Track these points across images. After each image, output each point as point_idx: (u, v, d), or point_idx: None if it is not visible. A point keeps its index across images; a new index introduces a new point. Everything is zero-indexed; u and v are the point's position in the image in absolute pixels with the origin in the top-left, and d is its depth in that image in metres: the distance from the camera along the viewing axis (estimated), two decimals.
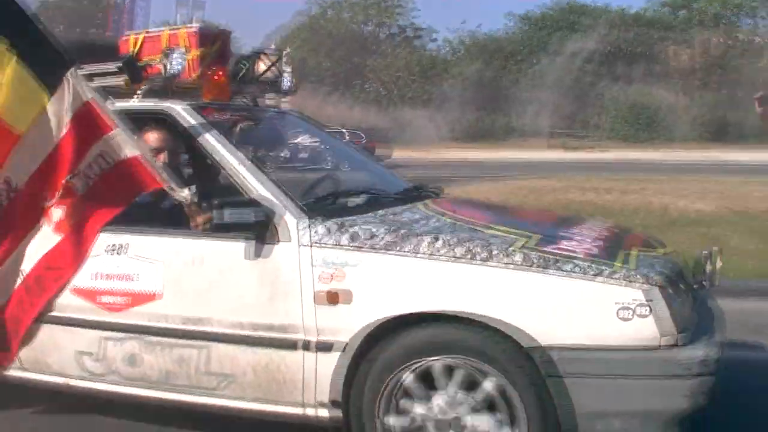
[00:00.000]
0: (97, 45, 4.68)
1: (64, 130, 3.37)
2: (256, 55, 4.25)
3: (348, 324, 3.26)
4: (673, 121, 45.72)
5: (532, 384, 3.05)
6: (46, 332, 3.68)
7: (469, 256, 3.18)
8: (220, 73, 4.12)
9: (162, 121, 3.92)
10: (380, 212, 3.65)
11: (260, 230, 3.37)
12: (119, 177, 3.45)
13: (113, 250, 3.62)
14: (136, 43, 4.17)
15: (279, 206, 3.42)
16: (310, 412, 3.40)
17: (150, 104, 3.93)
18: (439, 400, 3.20)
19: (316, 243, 3.35)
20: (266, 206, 3.39)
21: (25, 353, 3.71)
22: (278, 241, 3.38)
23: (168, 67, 3.93)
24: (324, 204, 3.63)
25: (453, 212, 3.89)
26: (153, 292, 3.53)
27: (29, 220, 3.45)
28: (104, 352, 3.65)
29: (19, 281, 3.55)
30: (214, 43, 4.09)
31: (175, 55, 3.93)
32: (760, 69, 44.65)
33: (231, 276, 3.44)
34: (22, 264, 3.52)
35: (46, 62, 3.36)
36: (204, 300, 3.47)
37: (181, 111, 3.81)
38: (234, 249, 3.41)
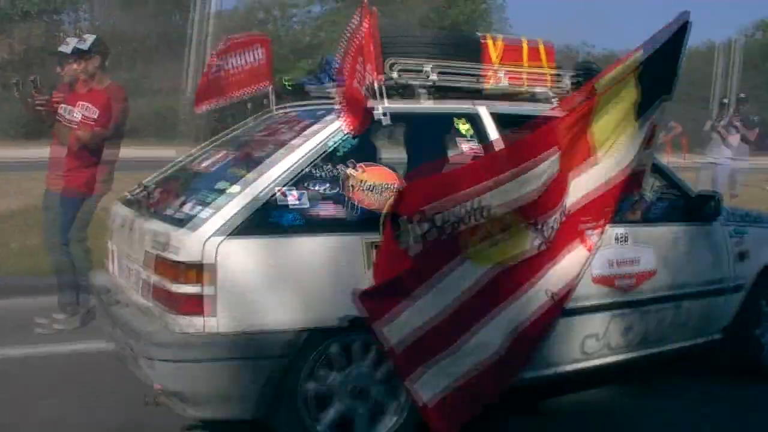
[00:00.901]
0: (463, 44, 4.43)
1: (630, 157, 4.04)
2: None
3: (748, 271, 4.95)
4: None
5: None
6: (562, 326, 4.09)
7: None
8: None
9: None
10: None
11: (711, 217, 4.75)
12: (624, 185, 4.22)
13: (618, 240, 4.36)
14: (497, 48, 4.49)
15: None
16: (715, 337, 4.92)
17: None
18: None
19: (723, 223, 4.89)
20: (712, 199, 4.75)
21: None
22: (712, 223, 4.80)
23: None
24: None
25: None
26: (652, 270, 4.47)
27: (567, 241, 3.88)
28: (607, 330, 4.34)
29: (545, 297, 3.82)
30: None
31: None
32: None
33: (693, 249, 4.68)
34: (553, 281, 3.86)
35: (653, 87, 4.00)
36: (682, 270, 4.61)
37: None
38: (701, 230, 4.70)
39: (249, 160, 3.74)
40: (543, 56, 4.57)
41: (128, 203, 4.20)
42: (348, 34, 3.76)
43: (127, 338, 3.54)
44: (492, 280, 3.41)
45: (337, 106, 3.78)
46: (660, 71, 3.92)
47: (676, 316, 4.62)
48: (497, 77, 4.28)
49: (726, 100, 13.81)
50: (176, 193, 3.85)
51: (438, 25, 46.30)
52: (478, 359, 3.43)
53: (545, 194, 3.49)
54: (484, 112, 4.14)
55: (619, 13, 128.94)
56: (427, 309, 3.30)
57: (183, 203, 3.62)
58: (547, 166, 3.45)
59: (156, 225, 3.57)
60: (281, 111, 4.64)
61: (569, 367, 4.23)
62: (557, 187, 3.59)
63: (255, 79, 4.89)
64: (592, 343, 4.27)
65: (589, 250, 3.88)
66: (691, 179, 9.75)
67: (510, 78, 4.33)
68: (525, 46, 4.52)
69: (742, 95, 13.99)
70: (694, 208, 4.74)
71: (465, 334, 3.41)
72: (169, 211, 3.66)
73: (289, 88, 4.86)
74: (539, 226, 3.54)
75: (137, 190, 4.18)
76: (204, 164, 4.19)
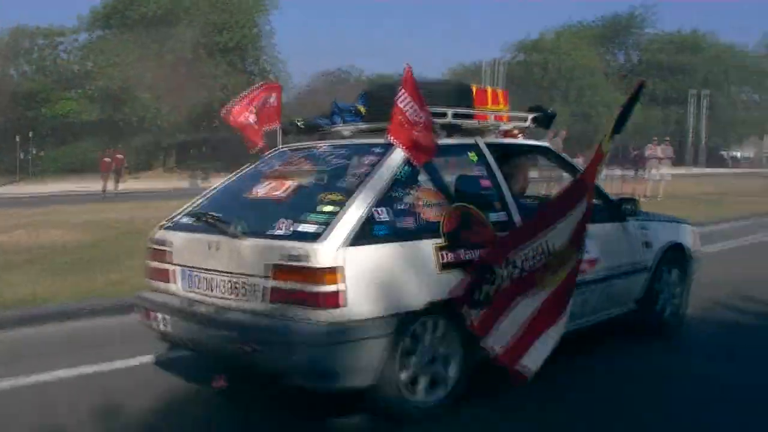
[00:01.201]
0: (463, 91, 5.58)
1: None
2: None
3: (651, 255, 6.50)
4: None
5: None
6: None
7: None
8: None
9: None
10: None
11: (629, 216, 6.25)
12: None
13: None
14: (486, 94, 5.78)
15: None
16: (632, 307, 6.42)
17: (531, 142, 5.94)
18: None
19: (635, 219, 6.42)
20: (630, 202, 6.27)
21: None
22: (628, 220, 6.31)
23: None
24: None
25: None
26: (596, 258, 5.86)
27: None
28: (575, 303, 5.63)
29: None
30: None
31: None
32: None
33: (618, 240, 6.16)
34: None
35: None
36: (612, 257, 6.06)
37: (552, 147, 6.06)
38: (622, 226, 6.20)
39: (334, 188, 4.77)
40: (501, 99, 5.91)
41: (198, 229, 5.08)
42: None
43: (246, 336, 4.43)
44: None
45: (390, 142, 4.81)
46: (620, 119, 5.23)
47: (609, 291, 6.07)
48: (486, 117, 5.58)
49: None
50: (267, 217, 4.77)
51: (210, 49, 47.03)
52: (525, 317, 4.63)
53: (579, 228, 4.75)
54: (482, 143, 5.43)
55: (386, 37, 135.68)
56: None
57: (290, 224, 4.57)
58: (580, 210, 4.71)
59: (273, 243, 4.50)
60: (304, 147, 5.68)
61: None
62: (584, 221, 4.87)
63: (270, 119, 5.87)
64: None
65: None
66: None
67: (495, 118, 5.65)
68: (490, 91, 5.83)
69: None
70: (616, 210, 6.20)
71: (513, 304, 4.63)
72: (277, 232, 4.58)
73: (301, 126, 5.87)
74: (579, 252, 4.80)
75: (197, 218, 5.13)
76: (275, 192, 5.10)
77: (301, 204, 4.78)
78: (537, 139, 7.10)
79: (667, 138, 30.37)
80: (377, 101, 5.64)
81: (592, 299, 5.85)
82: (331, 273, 4.24)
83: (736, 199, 24.56)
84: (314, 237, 4.37)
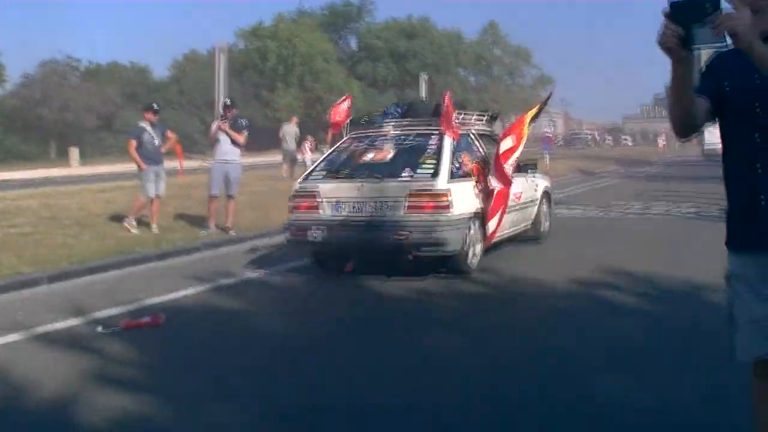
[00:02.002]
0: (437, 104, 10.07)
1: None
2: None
3: (538, 194, 11.49)
4: None
5: None
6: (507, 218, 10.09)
7: None
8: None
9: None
10: None
11: (531, 171, 11.19)
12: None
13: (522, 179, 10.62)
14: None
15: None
16: (529, 225, 11.38)
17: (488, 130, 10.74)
18: None
19: (532, 174, 11.35)
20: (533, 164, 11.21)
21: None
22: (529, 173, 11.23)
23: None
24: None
25: None
26: (520, 193, 10.71)
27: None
28: (512, 219, 10.46)
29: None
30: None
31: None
32: None
33: (525, 184, 11.07)
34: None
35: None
36: (524, 194, 10.95)
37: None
38: (527, 177, 11.13)
39: (425, 153, 9.20)
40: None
41: (341, 179, 9.26)
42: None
43: (401, 229, 8.57)
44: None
45: (441, 131, 9.43)
46: (536, 115, 10.19)
47: (524, 213, 11.00)
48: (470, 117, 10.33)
49: (228, 102, 13.83)
50: (391, 169, 9.09)
51: None
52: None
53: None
54: (473, 132, 10.19)
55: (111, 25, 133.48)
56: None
57: (411, 172, 8.94)
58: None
59: (411, 182, 8.85)
60: (381, 130, 10.07)
61: (507, 233, 10.34)
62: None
63: (345, 117, 10.23)
64: (511, 221, 10.36)
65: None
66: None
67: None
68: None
69: (228, 100, 14.13)
70: (524, 168, 10.97)
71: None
72: (406, 175, 8.93)
73: (363, 123, 10.23)
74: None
75: (332, 173, 9.42)
76: (387, 155, 9.41)
77: (407, 163, 9.15)
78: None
79: None
80: (409, 109, 10.29)
81: (519, 216, 10.69)
82: (445, 194, 8.73)
83: None
84: (432, 177, 8.84)
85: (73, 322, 7.21)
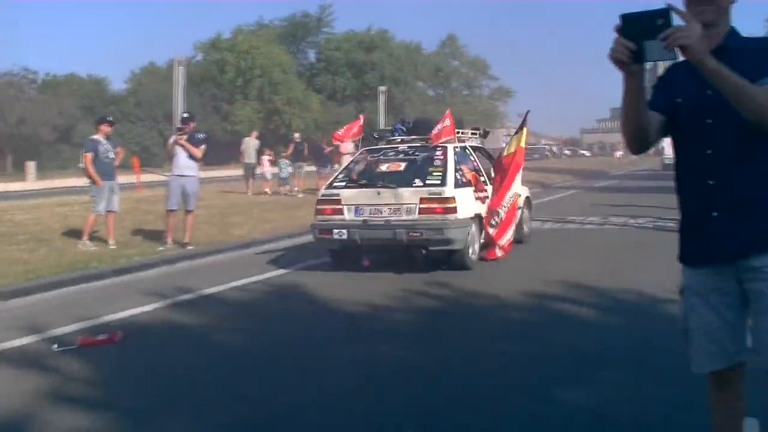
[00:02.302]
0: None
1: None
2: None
3: (523, 200, 11.74)
4: None
5: None
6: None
7: None
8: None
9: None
10: None
11: None
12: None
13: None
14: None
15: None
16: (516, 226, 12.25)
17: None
18: None
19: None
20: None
21: None
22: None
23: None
24: None
25: None
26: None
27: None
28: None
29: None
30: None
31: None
32: None
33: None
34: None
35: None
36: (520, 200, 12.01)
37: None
38: None
39: (432, 164, 10.54)
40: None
41: (362, 186, 10.58)
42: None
43: (416, 229, 9.95)
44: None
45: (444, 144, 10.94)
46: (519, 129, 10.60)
47: (521, 216, 12.30)
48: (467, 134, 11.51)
49: (186, 115, 13.76)
50: (404, 178, 10.42)
51: None
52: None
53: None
54: (469, 146, 11.27)
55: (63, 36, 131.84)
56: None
57: (422, 181, 10.28)
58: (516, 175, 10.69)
59: (422, 189, 10.18)
60: (394, 144, 11.70)
61: None
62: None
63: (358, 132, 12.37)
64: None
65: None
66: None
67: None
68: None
69: (186, 114, 14.04)
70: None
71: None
72: (416, 184, 10.25)
73: (375, 138, 11.77)
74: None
75: (352, 181, 10.74)
76: (400, 166, 10.75)
77: (417, 172, 10.52)
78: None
79: None
80: (415, 126, 12.09)
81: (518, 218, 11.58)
82: (452, 199, 10.14)
83: None
84: (440, 185, 10.26)
85: (28, 340, 7.10)
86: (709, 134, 2.91)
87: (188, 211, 12.79)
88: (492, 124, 78.94)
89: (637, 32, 2.62)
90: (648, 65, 2.74)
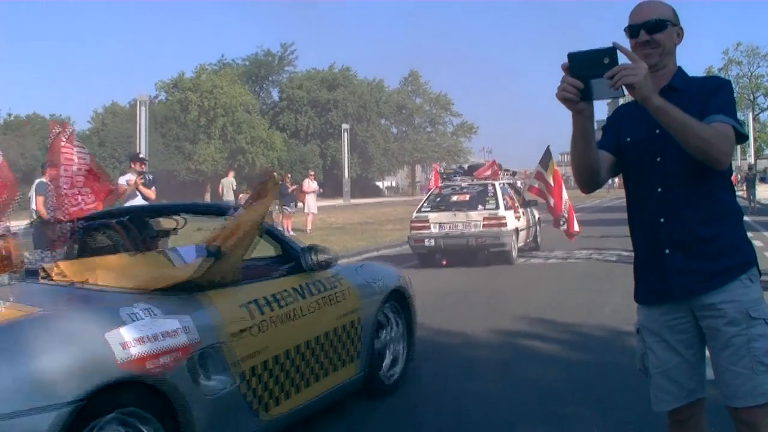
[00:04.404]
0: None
1: None
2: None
3: (535, 218, 16.85)
4: None
5: None
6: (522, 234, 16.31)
7: None
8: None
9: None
10: None
11: None
12: None
13: None
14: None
15: None
16: (531, 240, 17.58)
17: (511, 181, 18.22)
18: None
19: None
20: None
21: None
22: None
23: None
24: None
25: None
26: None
27: None
28: None
29: None
30: None
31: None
32: None
33: (529, 214, 17.77)
34: None
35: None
36: (531, 220, 17.69)
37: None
38: (528, 209, 15.84)
39: (488, 195, 15.94)
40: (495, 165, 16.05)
41: (443, 209, 15.90)
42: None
43: (497, 237, 15.07)
44: None
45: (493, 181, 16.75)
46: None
47: (528, 232, 17.21)
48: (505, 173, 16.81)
49: (142, 156, 13.77)
50: (470, 205, 15.72)
51: None
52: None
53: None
54: (506, 182, 17.47)
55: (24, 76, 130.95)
56: None
57: (483, 206, 15.59)
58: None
59: (484, 211, 15.43)
60: (458, 183, 17.33)
61: (521, 244, 16.64)
62: None
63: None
64: (523, 237, 14.03)
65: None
66: None
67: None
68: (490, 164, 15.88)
69: (141, 155, 14.10)
70: (529, 202, 15.42)
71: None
72: (480, 208, 15.56)
73: (445, 178, 18.66)
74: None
75: (435, 208, 16.09)
76: (466, 197, 16.14)
77: (479, 201, 15.84)
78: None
79: (312, 172, 33.26)
80: (470, 168, 18.79)
81: (528, 233, 17.12)
82: (504, 217, 15.33)
83: (378, 227, 27.91)
84: (495, 208, 15.52)
85: None
86: (658, 172, 2.93)
87: None
88: (457, 160, 79.27)
89: (585, 71, 2.64)
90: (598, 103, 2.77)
